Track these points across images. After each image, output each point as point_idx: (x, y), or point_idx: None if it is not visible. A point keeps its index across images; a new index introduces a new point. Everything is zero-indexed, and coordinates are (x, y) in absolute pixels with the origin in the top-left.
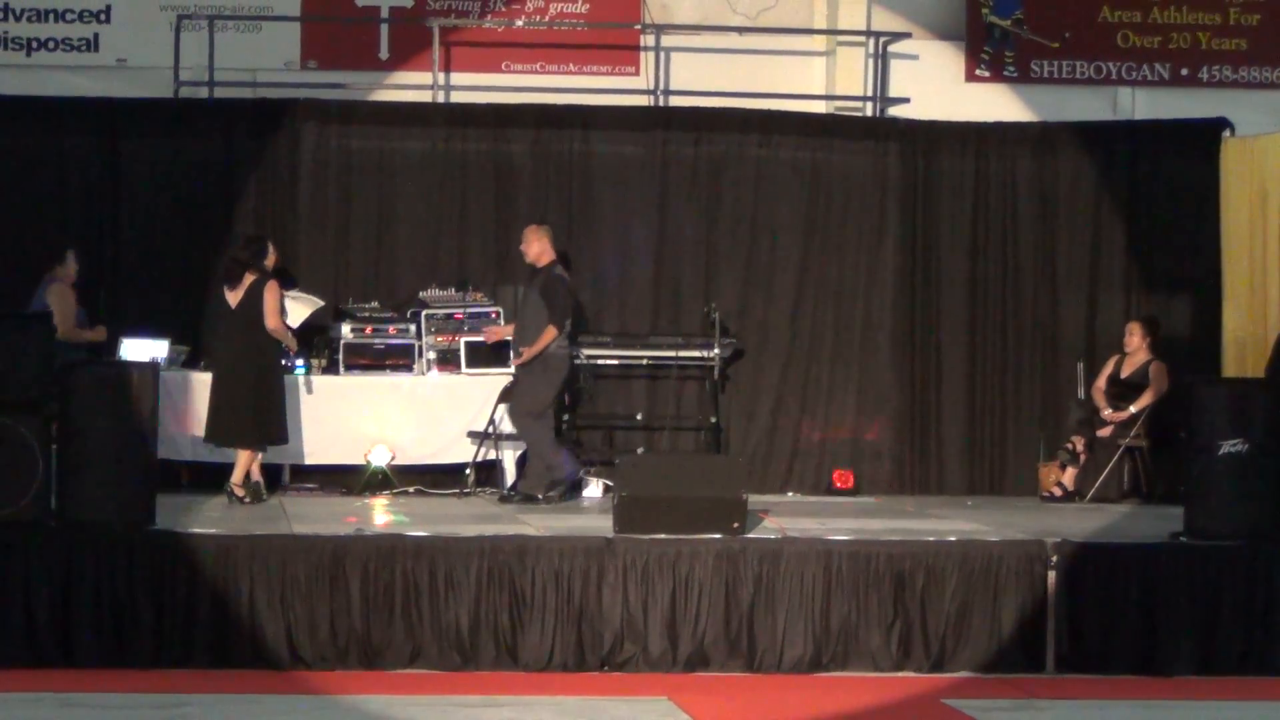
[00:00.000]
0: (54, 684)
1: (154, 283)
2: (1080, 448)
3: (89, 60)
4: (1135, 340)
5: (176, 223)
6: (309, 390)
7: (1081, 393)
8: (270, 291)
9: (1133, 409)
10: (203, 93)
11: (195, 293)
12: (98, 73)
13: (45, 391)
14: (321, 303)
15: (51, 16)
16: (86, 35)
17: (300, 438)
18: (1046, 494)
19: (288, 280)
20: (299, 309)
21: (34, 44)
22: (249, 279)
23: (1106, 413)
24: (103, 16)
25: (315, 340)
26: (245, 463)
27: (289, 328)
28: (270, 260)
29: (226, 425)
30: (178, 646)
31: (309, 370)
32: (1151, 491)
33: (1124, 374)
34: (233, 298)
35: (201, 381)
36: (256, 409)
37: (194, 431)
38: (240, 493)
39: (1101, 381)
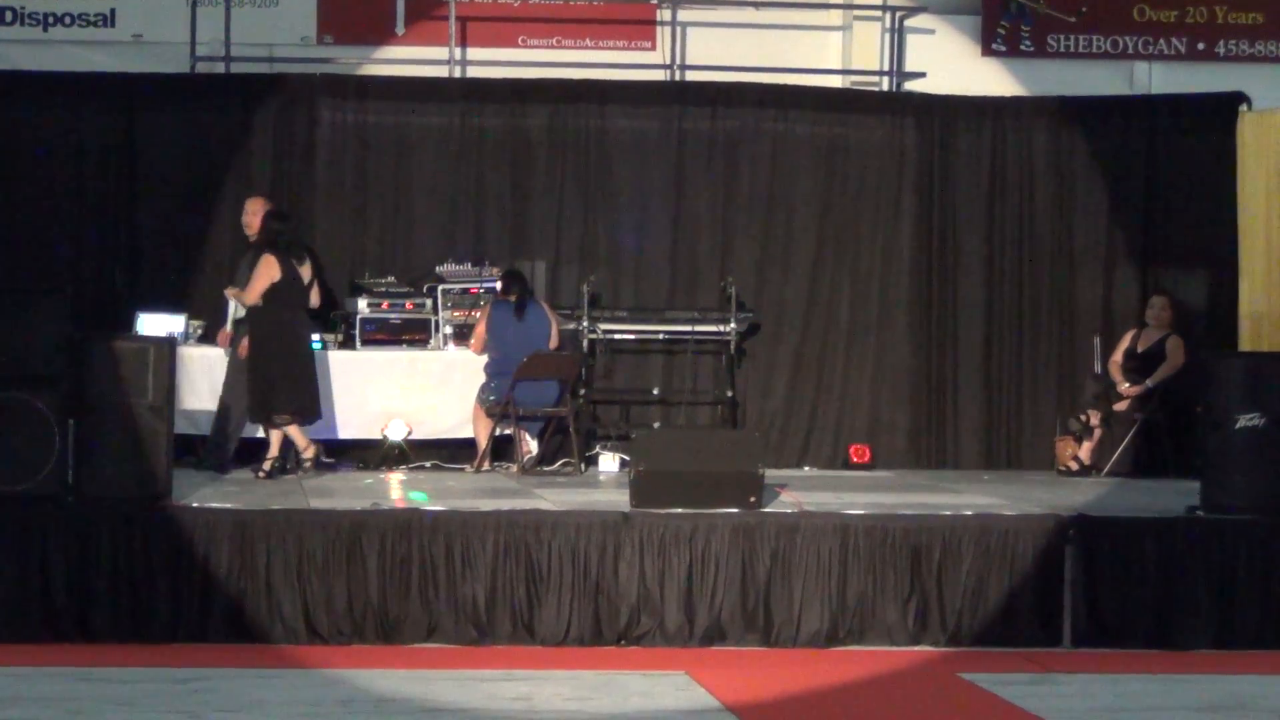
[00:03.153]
0: (72, 658)
1: (171, 258)
2: (1095, 421)
3: (105, 36)
4: (1159, 313)
5: (193, 198)
6: (326, 365)
7: (1098, 367)
8: (263, 265)
9: (1149, 382)
10: (219, 68)
11: (212, 268)
12: (114, 48)
13: (61, 367)
14: None
15: None
16: (103, 11)
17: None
18: (1063, 468)
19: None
20: None
21: (50, 19)
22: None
23: (1123, 387)
24: None
25: (332, 316)
26: (277, 439)
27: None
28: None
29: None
30: (195, 621)
31: (325, 346)
32: (1167, 466)
33: (1141, 348)
34: (305, 272)
35: (217, 357)
36: (280, 383)
37: (210, 406)
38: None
39: (1118, 355)
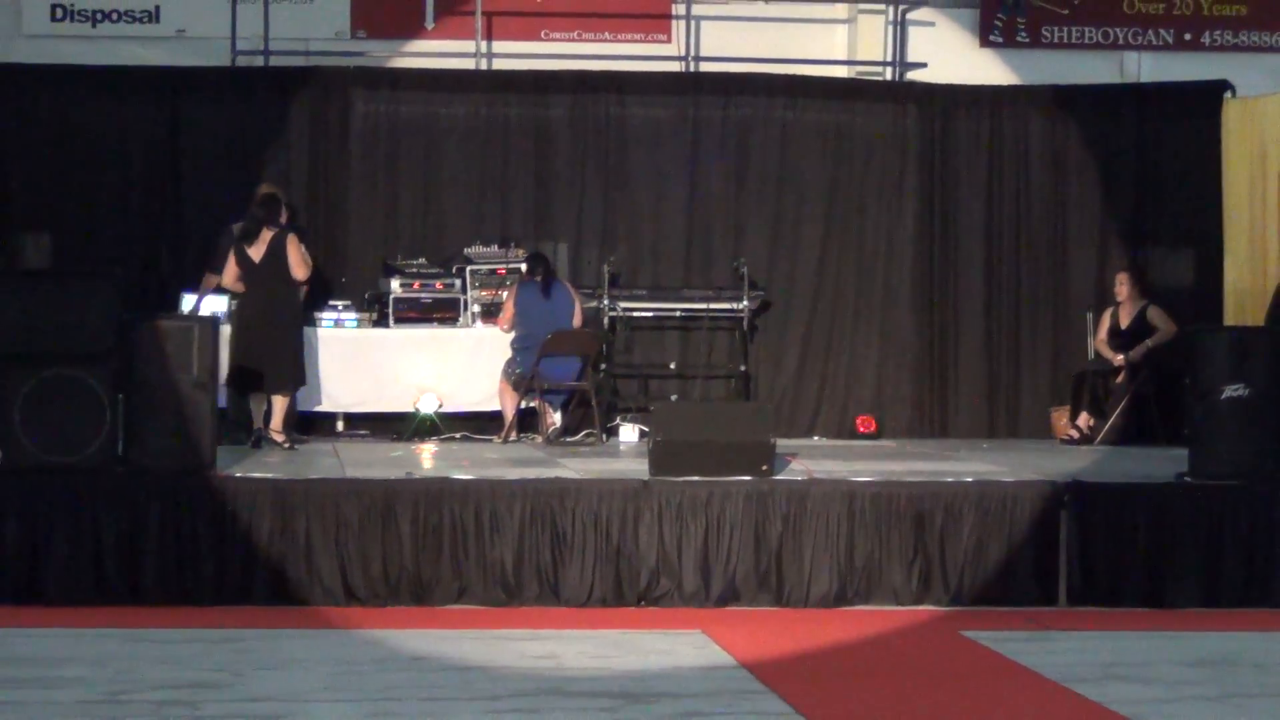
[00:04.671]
0: (122, 620)
1: (214, 240)
2: (1090, 424)
3: (150, 31)
4: (1125, 289)
5: (234, 184)
6: (360, 342)
7: (1091, 349)
8: (293, 244)
9: (1149, 342)
10: (258, 61)
11: (234, 251)
12: (159, 43)
13: (111, 344)
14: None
15: None
16: (148, 7)
17: (353, 387)
18: (1064, 438)
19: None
20: None
21: (98, 16)
22: (267, 234)
23: (1119, 359)
24: None
25: (366, 295)
26: (281, 409)
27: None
28: (284, 217)
29: (259, 374)
30: (238, 584)
31: (359, 324)
32: (1157, 435)
33: (1124, 324)
34: (254, 253)
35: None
36: (289, 356)
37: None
38: (279, 438)
39: (1103, 334)
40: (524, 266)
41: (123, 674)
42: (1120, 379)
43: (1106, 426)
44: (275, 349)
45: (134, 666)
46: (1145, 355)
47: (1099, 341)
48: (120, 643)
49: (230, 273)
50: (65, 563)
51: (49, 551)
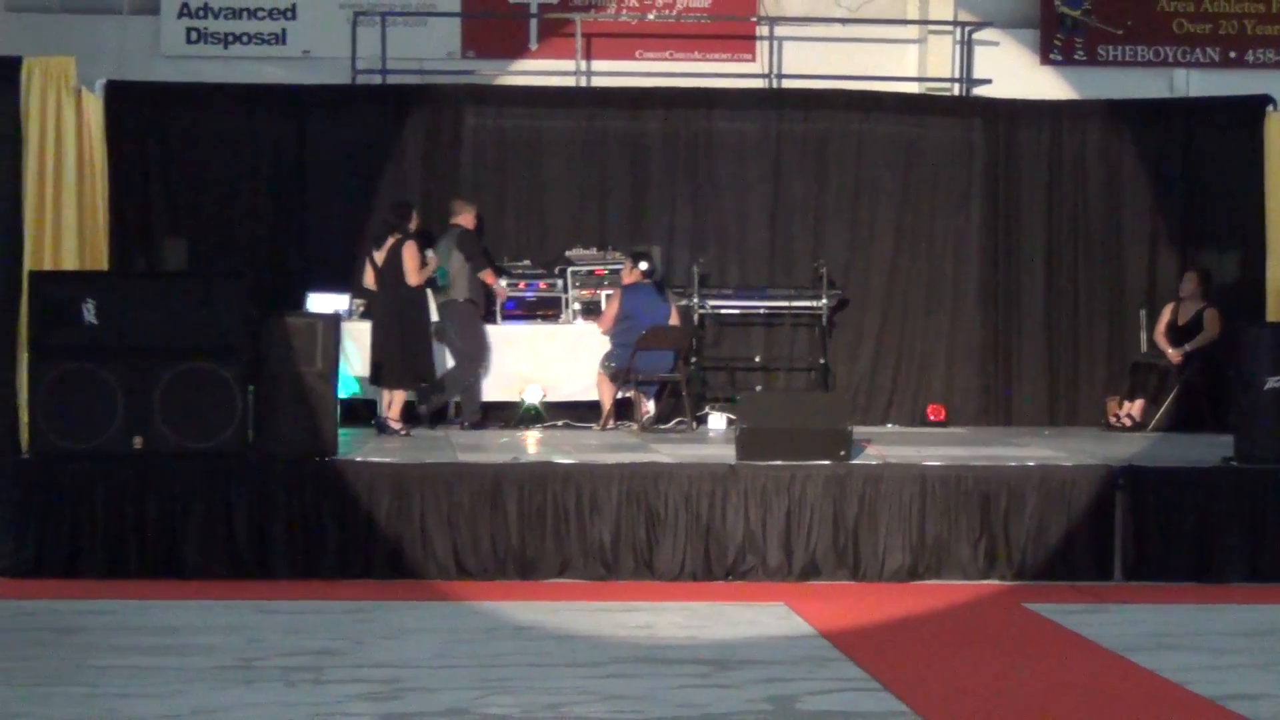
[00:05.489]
0: (251, 593)
1: (335, 244)
2: (1138, 413)
3: (278, 52)
4: (1190, 287)
5: (355, 193)
6: None
7: (1144, 343)
8: (407, 251)
9: (1188, 347)
10: (377, 79)
11: (366, 254)
12: (286, 63)
13: (242, 339)
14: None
15: (245, 14)
16: (276, 30)
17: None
18: (1116, 424)
19: (429, 241)
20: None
21: (230, 38)
22: (391, 240)
23: (1170, 352)
24: (290, 13)
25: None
26: (399, 400)
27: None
28: (413, 224)
29: (380, 368)
30: (359, 560)
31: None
32: (1205, 422)
33: (1181, 321)
34: (378, 256)
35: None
36: (404, 354)
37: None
38: (396, 426)
39: (1161, 327)
40: (630, 265)
41: (253, 642)
42: (1172, 371)
43: (1158, 414)
44: (396, 346)
45: (263, 635)
46: (1191, 353)
47: (1158, 334)
48: (250, 613)
49: (367, 274)
50: (200, 540)
51: (186, 529)
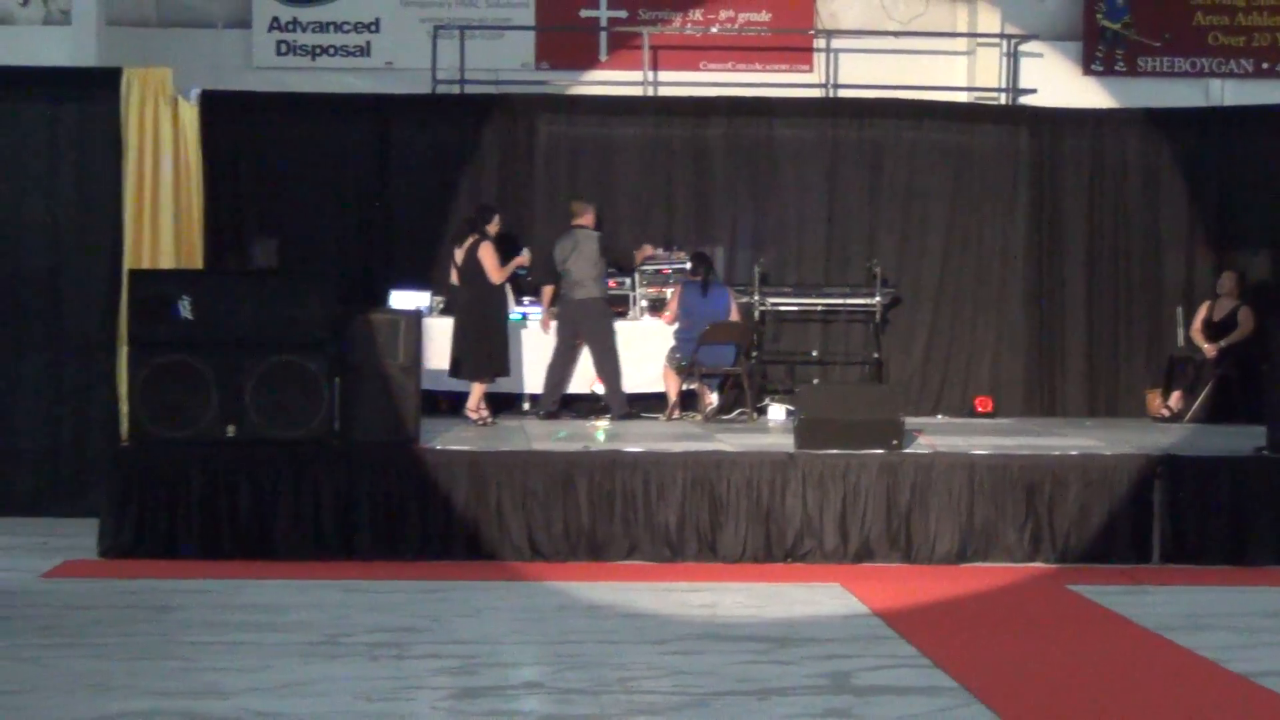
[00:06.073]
0: (338, 573)
1: (417, 245)
2: (1179, 404)
3: (362, 64)
4: (1228, 285)
5: (435, 196)
6: (545, 332)
7: (1181, 338)
8: (483, 251)
9: (1222, 342)
10: (455, 89)
11: (448, 253)
12: (369, 74)
13: (329, 334)
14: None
15: (332, 28)
16: (360, 43)
17: (539, 372)
18: (1157, 416)
19: (513, 245)
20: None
21: (317, 50)
22: (470, 240)
23: (1206, 347)
24: (374, 27)
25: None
26: (478, 392)
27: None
28: (493, 227)
29: (460, 362)
30: (439, 542)
31: (524, 317)
32: (1239, 414)
33: (1216, 318)
34: (458, 255)
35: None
36: (482, 348)
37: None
38: (475, 417)
39: (1198, 323)
40: (689, 266)
41: (339, 619)
42: (1207, 365)
43: (1195, 406)
44: (472, 340)
45: (349, 613)
46: (1226, 348)
47: (1194, 330)
48: (337, 592)
49: (452, 272)
50: (290, 523)
51: (276, 513)
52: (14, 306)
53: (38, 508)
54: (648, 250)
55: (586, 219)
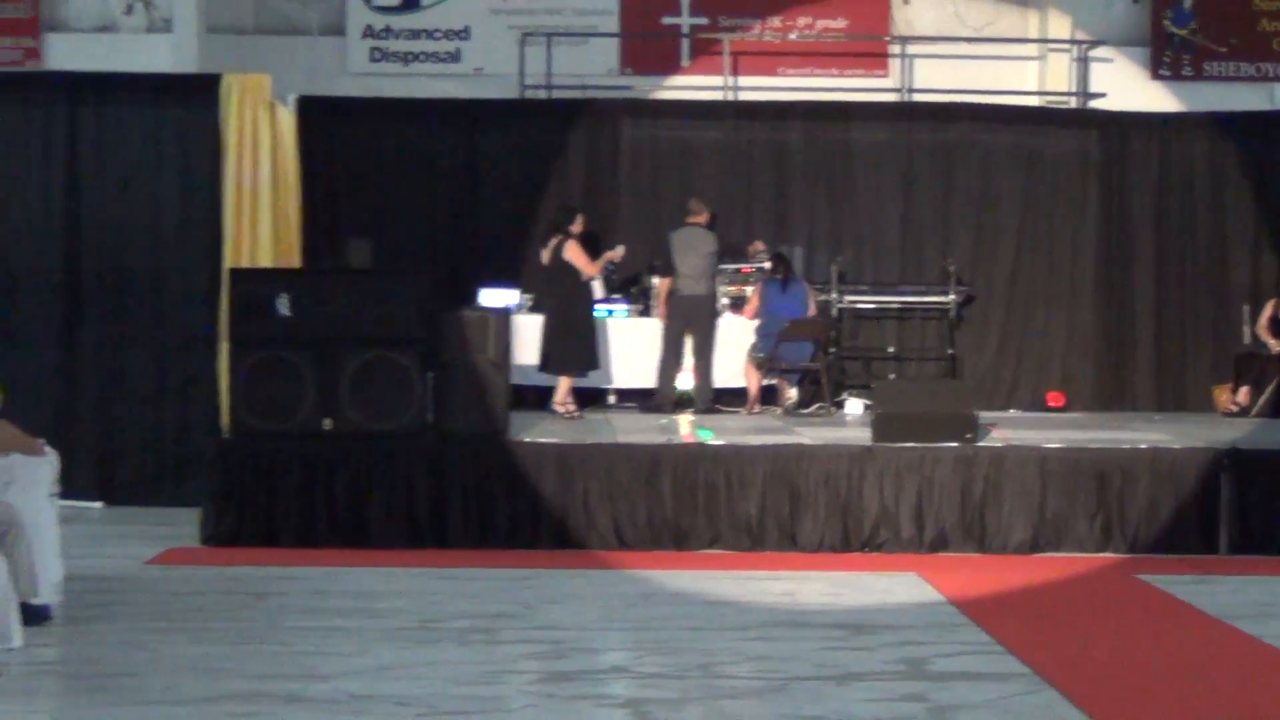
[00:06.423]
0: (430, 561)
1: (505, 245)
2: (1246, 399)
3: (453, 70)
4: None
5: (522, 198)
6: (629, 329)
7: (1247, 335)
8: (569, 250)
9: None
10: (542, 94)
11: (535, 253)
12: (460, 79)
13: (422, 331)
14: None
15: (424, 35)
16: (451, 50)
17: (624, 367)
18: (1224, 411)
19: (595, 243)
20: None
21: (409, 57)
22: (554, 240)
23: (1272, 343)
24: (464, 34)
25: (632, 290)
26: (565, 386)
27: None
28: (576, 226)
29: (549, 357)
30: (528, 531)
31: (629, 314)
32: None
33: None
34: (544, 255)
35: (541, 322)
36: (567, 343)
37: (536, 362)
38: (562, 410)
39: (1264, 320)
40: (768, 265)
41: (433, 606)
42: (1273, 361)
43: (1261, 401)
44: (561, 336)
45: (442, 600)
46: None
47: (1260, 327)
48: (430, 580)
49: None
50: (384, 512)
51: (371, 503)
52: (119, 304)
53: (143, 497)
54: (759, 245)
55: (702, 218)
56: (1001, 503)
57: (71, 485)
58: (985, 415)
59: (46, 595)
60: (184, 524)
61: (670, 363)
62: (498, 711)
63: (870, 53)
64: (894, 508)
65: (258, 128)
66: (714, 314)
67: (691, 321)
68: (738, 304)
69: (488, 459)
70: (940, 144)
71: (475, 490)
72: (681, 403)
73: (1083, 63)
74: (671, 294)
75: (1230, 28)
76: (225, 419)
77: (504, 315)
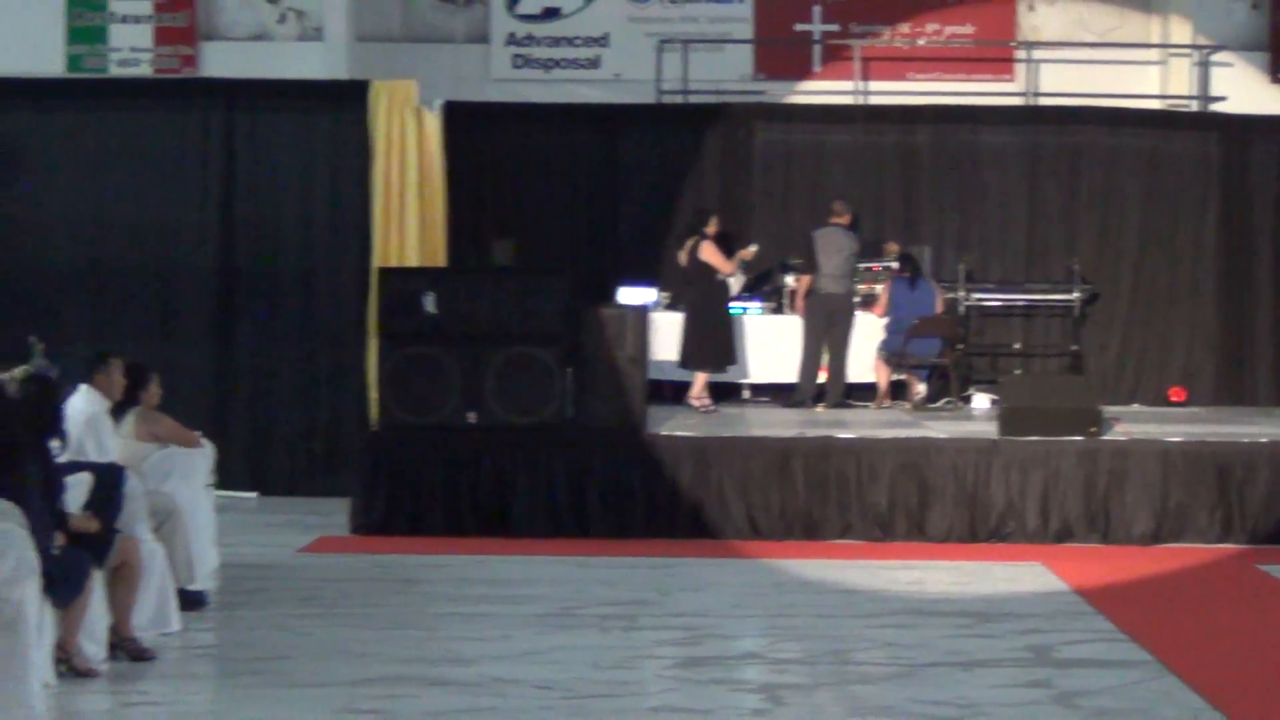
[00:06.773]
0: (571, 549)
1: (643, 244)
2: None
3: (592, 76)
4: None
5: (660, 199)
6: (764, 326)
7: None
8: (705, 250)
9: None
10: (679, 99)
11: (674, 252)
12: (599, 85)
13: (563, 328)
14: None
15: (564, 42)
16: (590, 56)
17: (758, 362)
18: None
19: (729, 243)
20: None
21: (550, 63)
22: (690, 242)
23: None
24: (603, 41)
25: (766, 288)
26: (701, 381)
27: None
28: (711, 228)
29: (688, 353)
30: (665, 521)
31: (763, 311)
32: None
33: None
34: (681, 256)
35: (678, 320)
36: (705, 340)
37: (674, 358)
38: (698, 404)
39: None
40: (897, 264)
41: (573, 593)
42: None
43: None
44: (698, 333)
45: (582, 587)
46: None
47: None
48: (570, 568)
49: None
50: (526, 503)
51: (513, 493)
52: (272, 301)
53: (294, 488)
54: (893, 246)
55: (845, 219)
56: (1124, 495)
57: (226, 476)
58: (1108, 410)
59: (203, 581)
60: (334, 513)
61: (812, 359)
62: (635, 695)
63: (997, 58)
64: (1020, 500)
65: (405, 132)
66: (851, 312)
67: (831, 319)
68: (868, 302)
69: (626, 451)
70: (1065, 146)
71: (614, 481)
72: (817, 397)
73: (1203, 67)
74: (811, 292)
75: None
76: (374, 412)
77: (642, 312)
